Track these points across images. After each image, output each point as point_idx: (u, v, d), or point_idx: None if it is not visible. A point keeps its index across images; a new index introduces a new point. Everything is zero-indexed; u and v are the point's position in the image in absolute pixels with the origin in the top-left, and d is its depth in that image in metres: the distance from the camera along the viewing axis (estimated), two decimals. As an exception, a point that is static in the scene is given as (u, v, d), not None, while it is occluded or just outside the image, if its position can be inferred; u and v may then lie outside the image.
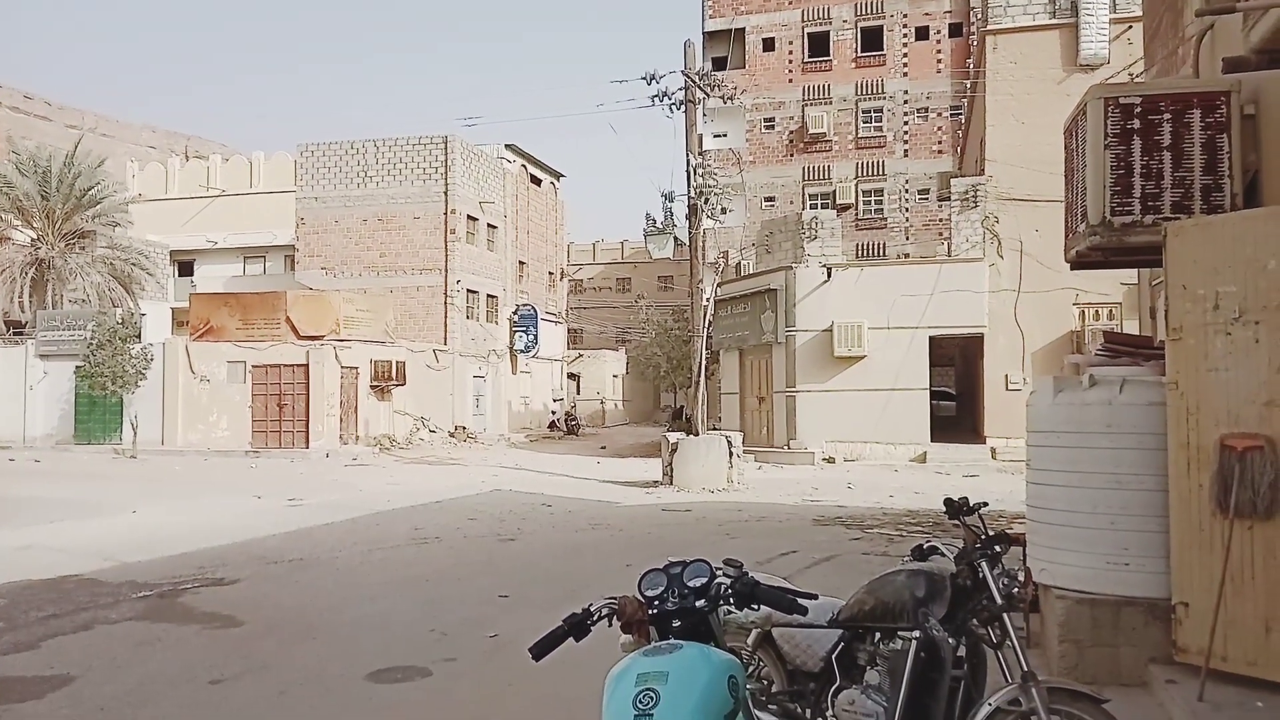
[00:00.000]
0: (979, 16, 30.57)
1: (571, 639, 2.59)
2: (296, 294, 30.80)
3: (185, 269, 43.38)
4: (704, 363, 19.77)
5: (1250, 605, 4.85)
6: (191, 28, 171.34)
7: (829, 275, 23.20)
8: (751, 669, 4.05)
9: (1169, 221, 5.42)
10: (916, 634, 3.55)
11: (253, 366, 28.05)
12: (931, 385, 23.66)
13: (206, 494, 16.99)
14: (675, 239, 20.83)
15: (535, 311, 40.08)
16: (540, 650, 2.59)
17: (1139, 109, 5.64)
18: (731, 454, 18.07)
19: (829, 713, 3.77)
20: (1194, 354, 5.12)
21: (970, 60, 32.08)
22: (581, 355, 52.79)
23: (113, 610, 7.92)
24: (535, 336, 39.84)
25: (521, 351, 39.65)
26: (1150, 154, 5.59)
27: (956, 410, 30.28)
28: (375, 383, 29.64)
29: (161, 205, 44.49)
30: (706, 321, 20.06)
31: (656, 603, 2.60)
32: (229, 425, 27.91)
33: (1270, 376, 4.82)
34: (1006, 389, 22.24)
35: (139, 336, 28.93)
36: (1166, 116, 5.60)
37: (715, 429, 22.18)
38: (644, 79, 18.81)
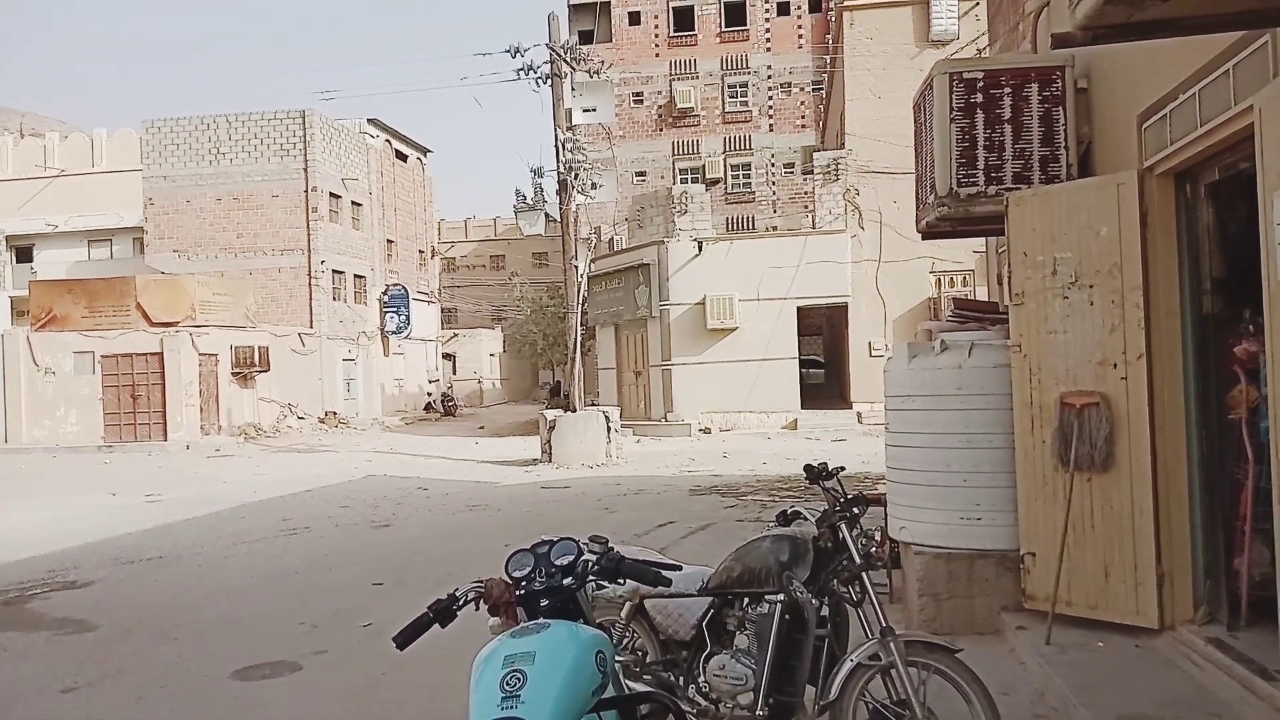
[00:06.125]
0: (837, -7, 31.33)
1: (437, 625, 2.56)
2: (147, 279, 29.17)
3: (23, 255, 40.47)
4: (580, 339, 19.75)
5: (1090, 552, 5.19)
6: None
7: (700, 249, 23.49)
8: (626, 641, 4.10)
9: (1010, 192, 5.69)
10: (781, 597, 3.66)
11: (102, 357, 26.50)
12: (801, 354, 24.32)
13: (56, 493, 15.99)
14: (546, 215, 20.68)
15: (406, 291, 39.13)
16: (404, 639, 2.55)
17: (981, 83, 5.89)
18: (610, 429, 18.16)
19: (700, 679, 3.85)
20: (1035, 317, 5.40)
21: (829, 36, 32.85)
22: (457, 335, 51.93)
23: (-50, 622, 7.40)
24: (407, 317, 38.91)
25: (393, 333, 38.69)
26: (993, 127, 5.85)
27: (825, 377, 31.22)
28: (237, 369, 28.44)
29: (-7, 186, 41.35)
30: (581, 297, 20.02)
31: (524, 583, 2.59)
32: (79, 420, 26.34)
33: (1104, 337, 5.14)
34: (870, 355, 23.07)
35: (-28, 328, 26.94)
36: (1007, 90, 5.86)
37: (593, 404, 22.22)
38: (508, 52, 18.53)
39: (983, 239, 11.36)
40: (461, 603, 2.59)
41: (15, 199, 41.27)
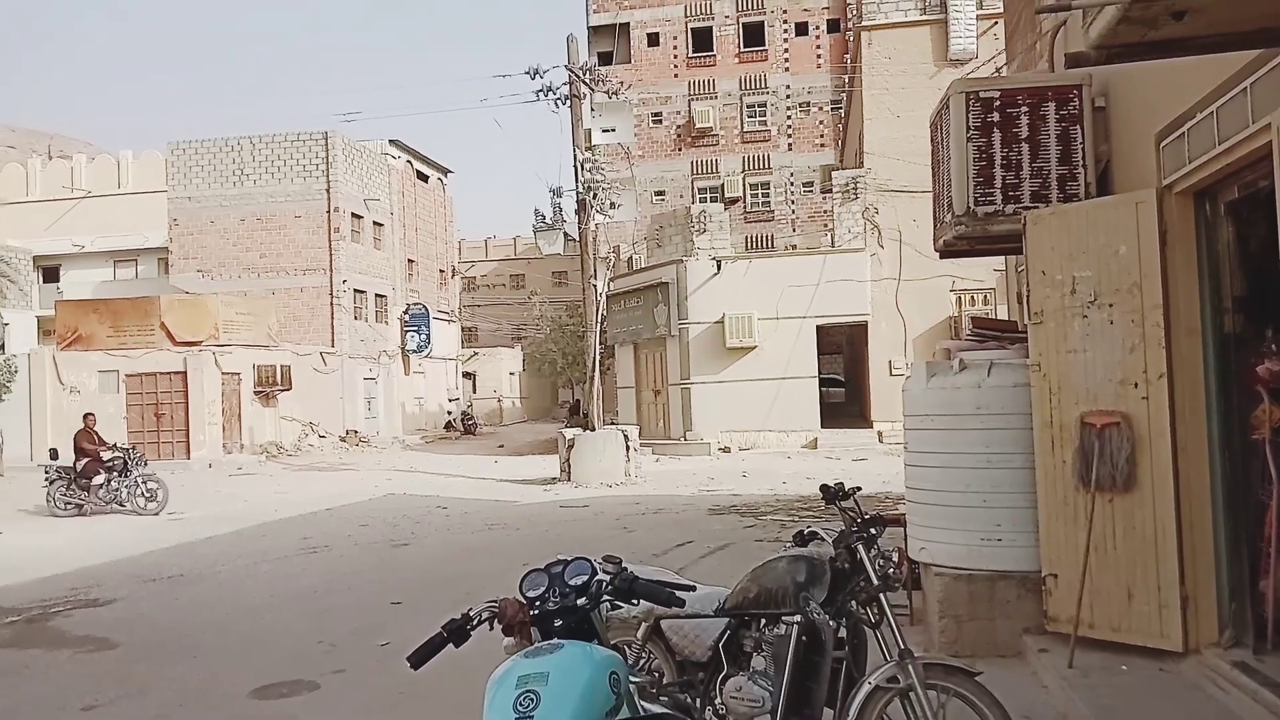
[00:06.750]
0: (855, 13, 31.39)
1: (451, 645, 2.56)
2: (171, 298, 29.50)
3: (50, 275, 41.06)
4: (599, 357, 19.77)
5: (1113, 574, 5.12)
6: (52, 21, 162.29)
7: (719, 268, 23.49)
8: (643, 662, 4.08)
9: (1028, 210, 5.67)
10: (798, 618, 3.63)
11: (126, 376, 26.77)
12: (820, 373, 24.22)
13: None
14: (565, 234, 20.75)
15: (427, 310, 39.34)
16: (419, 659, 2.55)
17: (998, 103, 5.88)
18: (629, 447, 18.13)
19: (717, 701, 3.82)
20: (1054, 336, 5.37)
21: (848, 55, 32.91)
22: (477, 353, 52.10)
23: (-26, 640, 7.47)
24: (428, 336, 39.11)
25: (414, 351, 38.88)
26: (1010, 146, 5.83)
27: (845, 396, 31.08)
28: (259, 388, 28.65)
29: (22, 208, 41.98)
30: (600, 316, 20.06)
31: (538, 603, 2.59)
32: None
33: (1124, 356, 5.10)
34: (890, 374, 22.92)
35: (2, 347, 27.30)
36: (1024, 109, 5.85)
37: (612, 423, 22.21)
38: (528, 74, 18.66)
39: (1002, 257, 11.30)
40: (475, 622, 2.58)
41: (43, 220, 41.90)
